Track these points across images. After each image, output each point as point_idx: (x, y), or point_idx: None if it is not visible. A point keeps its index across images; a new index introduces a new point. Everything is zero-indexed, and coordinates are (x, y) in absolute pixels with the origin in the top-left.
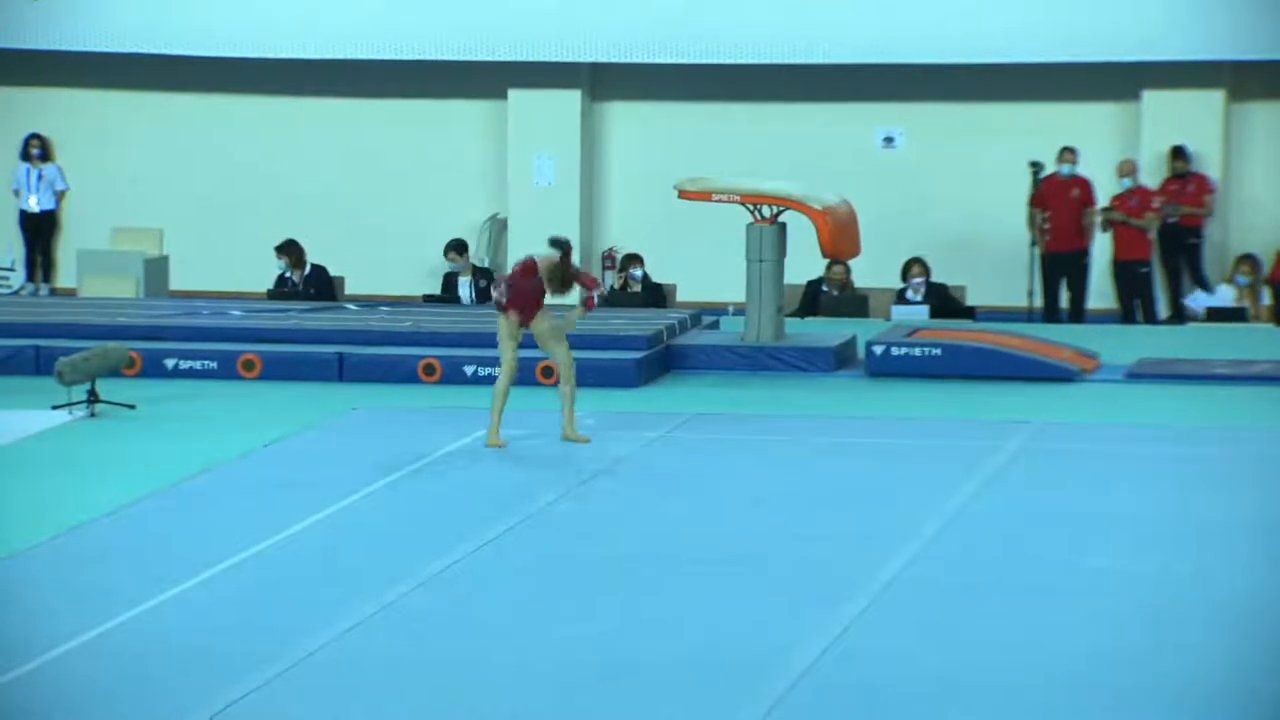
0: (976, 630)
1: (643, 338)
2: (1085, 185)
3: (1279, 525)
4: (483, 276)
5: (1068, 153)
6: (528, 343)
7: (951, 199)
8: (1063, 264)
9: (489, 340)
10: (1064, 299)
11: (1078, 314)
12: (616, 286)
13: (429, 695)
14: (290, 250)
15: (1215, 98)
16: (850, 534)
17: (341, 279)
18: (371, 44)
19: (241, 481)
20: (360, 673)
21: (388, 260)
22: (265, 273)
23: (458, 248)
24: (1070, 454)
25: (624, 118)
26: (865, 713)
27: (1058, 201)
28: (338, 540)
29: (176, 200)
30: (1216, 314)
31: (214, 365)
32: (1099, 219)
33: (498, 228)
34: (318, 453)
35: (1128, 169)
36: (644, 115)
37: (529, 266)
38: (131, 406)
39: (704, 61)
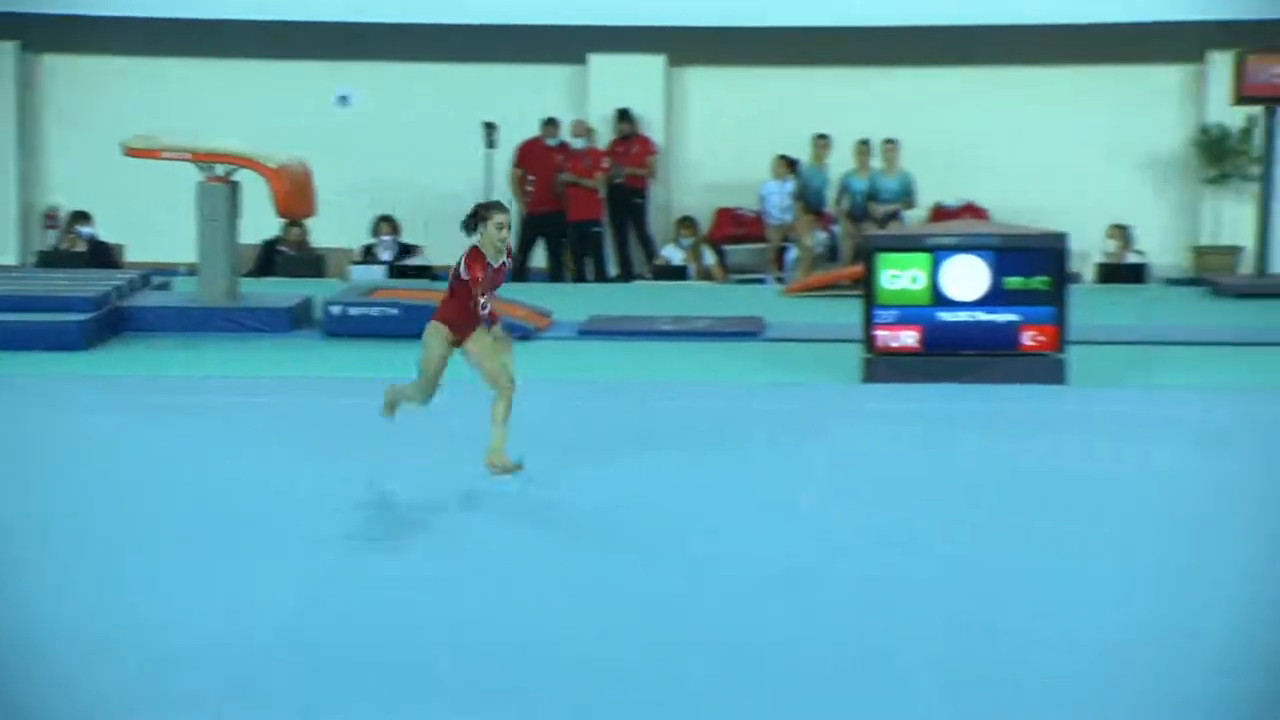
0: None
1: (88, 299)
2: (569, 154)
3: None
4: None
5: (550, 125)
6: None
7: (409, 160)
8: (541, 225)
9: None
10: (539, 259)
11: (557, 274)
12: (62, 247)
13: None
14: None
15: (657, 62)
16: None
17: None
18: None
19: None
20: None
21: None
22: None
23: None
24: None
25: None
26: None
27: (540, 166)
28: None
29: None
30: (661, 272)
31: None
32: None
33: None
34: None
35: (580, 130)
36: None
37: (475, 255)
38: None
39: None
